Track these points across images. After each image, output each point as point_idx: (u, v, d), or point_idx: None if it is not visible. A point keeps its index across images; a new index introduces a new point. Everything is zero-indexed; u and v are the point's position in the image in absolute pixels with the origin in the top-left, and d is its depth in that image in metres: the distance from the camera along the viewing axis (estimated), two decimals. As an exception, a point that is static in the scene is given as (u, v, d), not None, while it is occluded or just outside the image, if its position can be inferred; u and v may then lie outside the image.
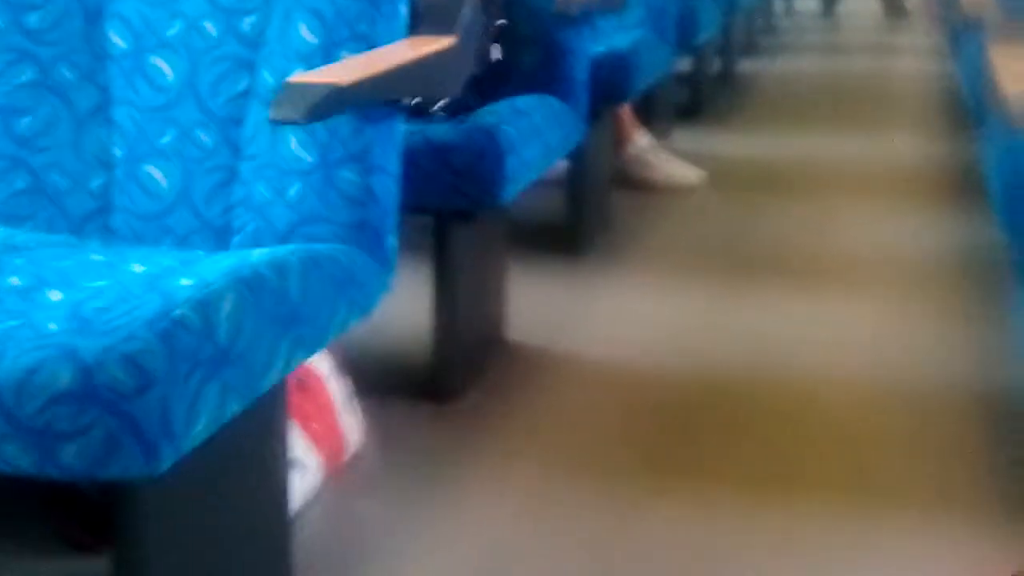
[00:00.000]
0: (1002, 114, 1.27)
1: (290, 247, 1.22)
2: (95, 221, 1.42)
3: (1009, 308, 2.29)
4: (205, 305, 0.99)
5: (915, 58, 5.70)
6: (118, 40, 1.43)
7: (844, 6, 7.20)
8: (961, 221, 2.91)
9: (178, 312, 0.96)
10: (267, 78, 1.36)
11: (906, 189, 3.33)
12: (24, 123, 1.43)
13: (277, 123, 1.16)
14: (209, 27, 1.40)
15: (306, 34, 1.35)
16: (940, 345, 2.15)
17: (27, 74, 1.44)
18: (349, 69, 1.24)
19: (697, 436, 1.79)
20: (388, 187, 1.35)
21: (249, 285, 1.06)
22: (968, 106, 2.89)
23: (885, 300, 2.41)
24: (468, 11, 1.46)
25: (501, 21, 2.18)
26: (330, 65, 1.30)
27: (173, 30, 1.41)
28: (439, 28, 1.44)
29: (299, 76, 1.25)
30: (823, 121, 4.31)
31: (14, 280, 1.12)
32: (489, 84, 2.10)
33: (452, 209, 1.86)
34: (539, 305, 2.32)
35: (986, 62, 1.63)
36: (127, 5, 1.43)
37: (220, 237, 1.38)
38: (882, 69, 5.66)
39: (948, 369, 2.04)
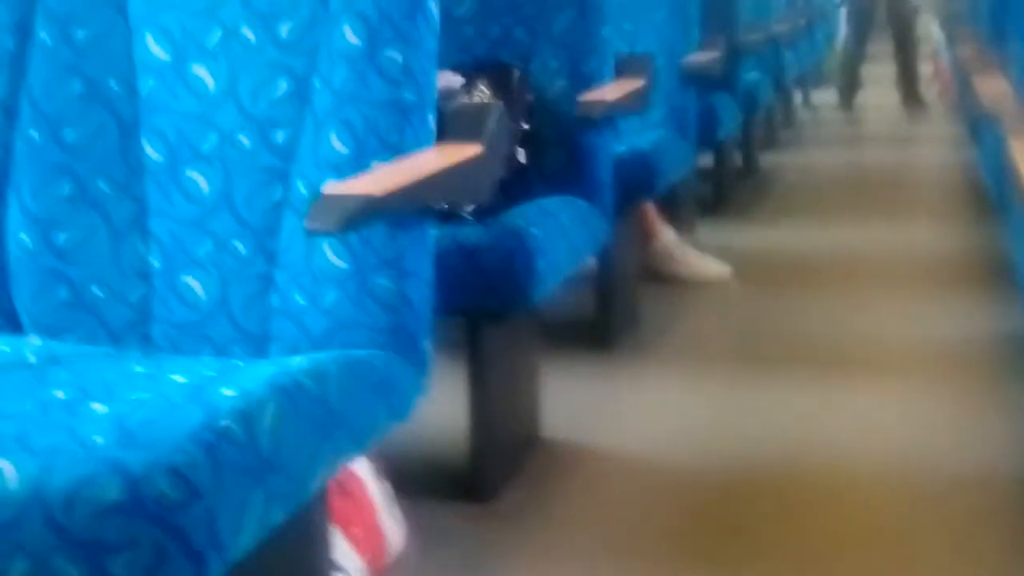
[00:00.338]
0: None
1: (328, 354, 1.24)
2: (134, 332, 1.44)
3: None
4: (247, 416, 1.00)
5: (935, 148, 5.74)
6: (153, 153, 1.47)
7: (862, 98, 7.27)
8: (986, 309, 2.90)
9: (221, 424, 0.98)
10: (300, 188, 1.39)
11: (930, 278, 3.34)
12: (63, 237, 1.46)
13: (313, 234, 1.19)
14: (243, 140, 1.44)
15: (337, 145, 1.38)
16: (971, 433, 2.14)
17: (65, 188, 1.48)
18: (381, 179, 1.27)
19: (735, 528, 1.78)
20: (421, 292, 1.37)
21: (289, 394, 1.07)
22: (990, 195, 2.91)
23: (914, 389, 2.40)
24: (494, 119, 1.49)
25: (525, 125, 2.22)
26: (362, 175, 1.32)
27: (208, 143, 1.45)
28: (466, 136, 1.47)
29: (332, 187, 1.28)
30: (845, 212, 4.33)
31: (59, 393, 1.14)
32: (515, 186, 2.13)
33: (483, 311, 1.88)
34: (572, 402, 2.32)
35: (1007, 155, 1.65)
36: (163, 118, 1.47)
37: (258, 345, 1.40)
38: (902, 159, 5.70)
39: (980, 456, 2.03)
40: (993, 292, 3.01)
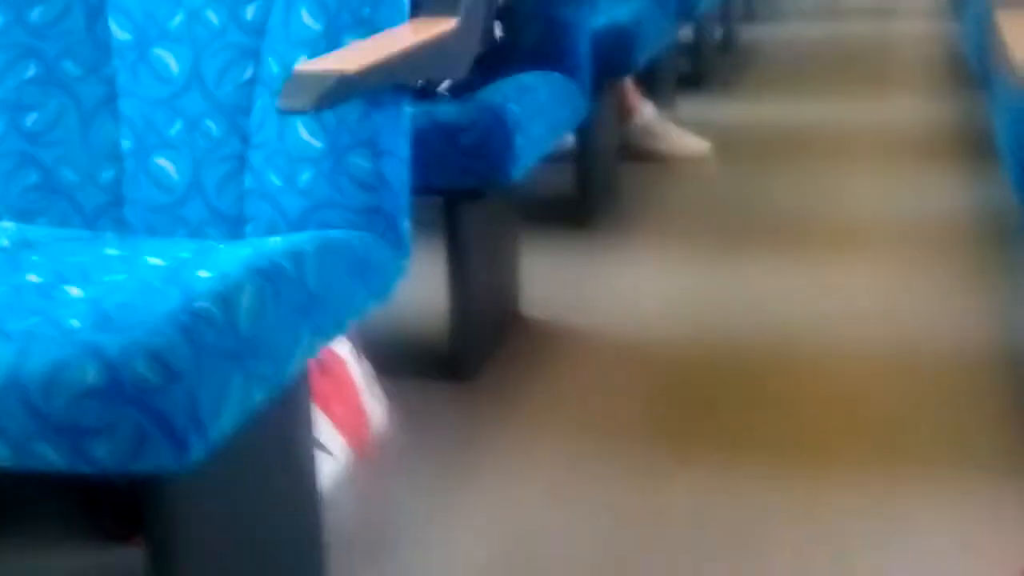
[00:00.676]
0: (1012, 80, 1.26)
1: (305, 235, 1.23)
2: (108, 214, 1.42)
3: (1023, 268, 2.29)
4: (225, 297, 0.99)
5: (916, 20, 5.67)
6: (120, 32, 1.43)
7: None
8: (970, 183, 2.90)
9: (199, 305, 0.97)
10: (272, 66, 1.36)
11: (912, 152, 3.32)
12: (31, 119, 1.43)
13: (286, 113, 1.16)
14: (212, 16, 1.40)
15: (309, 21, 1.35)
16: (954, 308, 2.15)
17: (32, 70, 1.44)
18: (354, 56, 1.24)
19: (716, 407, 1.80)
20: (398, 171, 1.35)
21: (267, 275, 1.06)
22: (973, 68, 2.88)
23: (897, 265, 2.41)
24: (471, -9, 1.46)
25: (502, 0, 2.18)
26: (335, 52, 1.29)
27: (175, 21, 1.41)
28: (441, 10, 1.43)
29: (305, 64, 1.25)
30: (826, 86, 4.29)
31: (32, 277, 1.12)
32: (492, 62, 2.10)
33: (462, 189, 1.86)
34: (552, 280, 2.32)
35: (992, 27, 1.62)
36: (128, -3, 1.43)
37: (233, 226, 1.38)
38: (883, 32, 5.63)
39: (964, 332, 2.04)
40: (975, 166, 3.00)
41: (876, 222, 2.71)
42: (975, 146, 3.13)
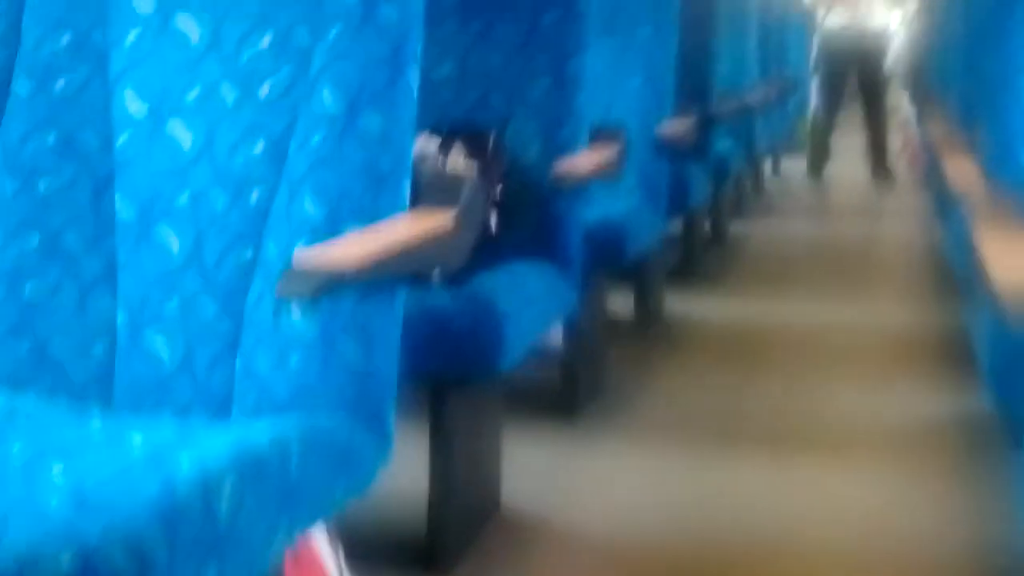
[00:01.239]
0: (991, 300, 1.29)
1: (291, 422, 1.23)
2: (96, 387, 1.43)
3: (1002, 476, 2.29)
4: (206, 488, 0.99)
5: (902, 221, 5.80)
6: (125, 209, 1.46)
7: (832, 168, 7.36)
8: (950, 389, 2.92)
9: (180, 495, 0.96)
10: (271, 250, 1.39)
11: (893, 356, 3.36)
12: (29, 288, 1.45)
13: (283, 300, 1.18)
14: (217, 198, 1.43)
15: (311, 208, 1.38)
16: (931, 514, 2.14)
17: (34, 240, 1.46)
18: (353, 248, 1.27)
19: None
20: (388, 360, 1.36)
21: (250, 464, 1.06)
22: (954, 275, 2.94)
23: (878, 469, 2.41)
24: (469, 188, 1.50)
25: (498, 190, 2.23)
26: (335, 241, 1.32)
27: (180, 200, 1.44)
28: (440, 204, 1.47)
29: (304, 252, 1.27)
30: (812, 284, 4.36)
31: (16, 450, 1.12)
32: (485, 252, 2.13)
33: (449, 377, 1.87)
34: (534, 472, 2.31)
35: (971, 239, 1.66)
36: (137, 174, 1.46)
37: (220, 407, 1.38)
38: (869, 232, 5.76)
39: (941, 537, 2.03)
40: (955, 372, 3.03)
41: (855, 425, 2.72)
42: (956, 353, 3.16)
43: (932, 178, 3.61)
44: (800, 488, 2.29)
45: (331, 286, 1.16)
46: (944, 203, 3.21)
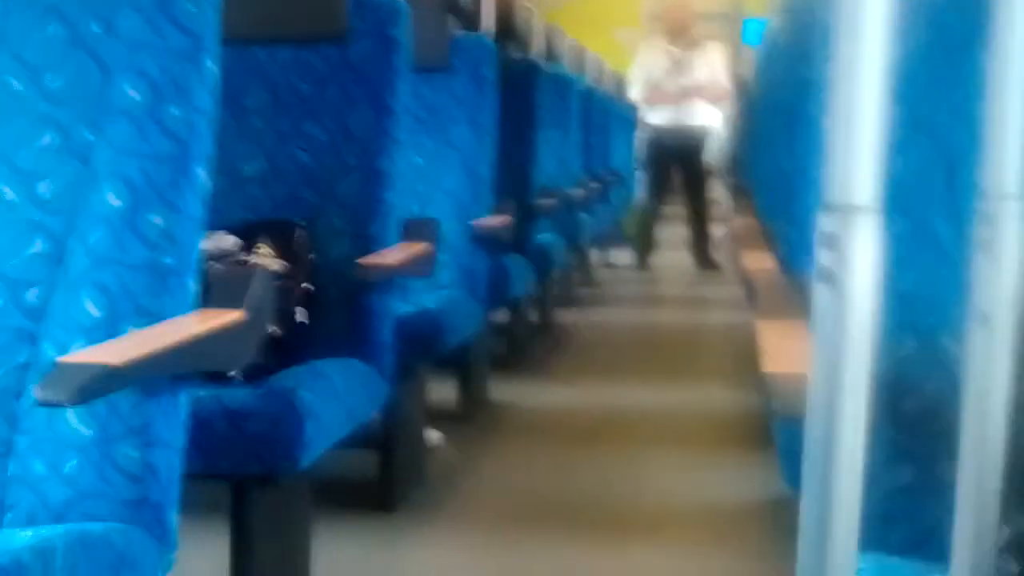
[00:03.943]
0: (769, 387, 1.34)
1: (59, 529, 1.19)
2: None
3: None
4: (-51, 601, 0.95)
5: (724, 309, 5.99)
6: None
7: (659, 258, 7.57)
8: (756, 471, 3.02)
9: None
10: (48, 351, 1.35)
11: (714, 439, 3.45)
12: None
13: (45, 404, 1.15)
14: (-8, 299, 1.39)
15: (90, 308, 1.36)
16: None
17: None
18: (124, 347, 1.25)
19: None
20: (170, 461, 1.34)
21: (7, 574, 1.02)
22: (763, 361, 3.04)
23: (693, 548, 2.48)
24: (258, 283, 1.49)
25: (306, 285, 2.22)
26: (107, 343, 1.30)
27: (-45, 300, 1.40)
28: (228, 301, 1.46)
29: (72, 355, 1.24)
30: (638, 371, 4.46)
31: None
32: (293, 347, 2.12)
33: (249, 474, 1.84)
34: (349, 568, 2.28)
35: (757, 333, 1.74)
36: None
37: (-9, 514, 1.33)
38: (693, 320, 5.94)
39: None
40: (766, 454, 3.12)
41: (674, 506, 2.78)
42: (766, 436, 3.27)
43: (737, 269, 3.76)
44: (614, 567, 2.32)
45: (98, 388, 1.14)
46: (748, 292, 3.35)
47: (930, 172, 1.36)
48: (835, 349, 0.72)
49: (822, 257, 0.72)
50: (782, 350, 1.47)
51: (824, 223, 0.73)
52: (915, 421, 1.34)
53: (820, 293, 0.73)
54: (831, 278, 0.71)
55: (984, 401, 0.76)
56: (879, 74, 0.70)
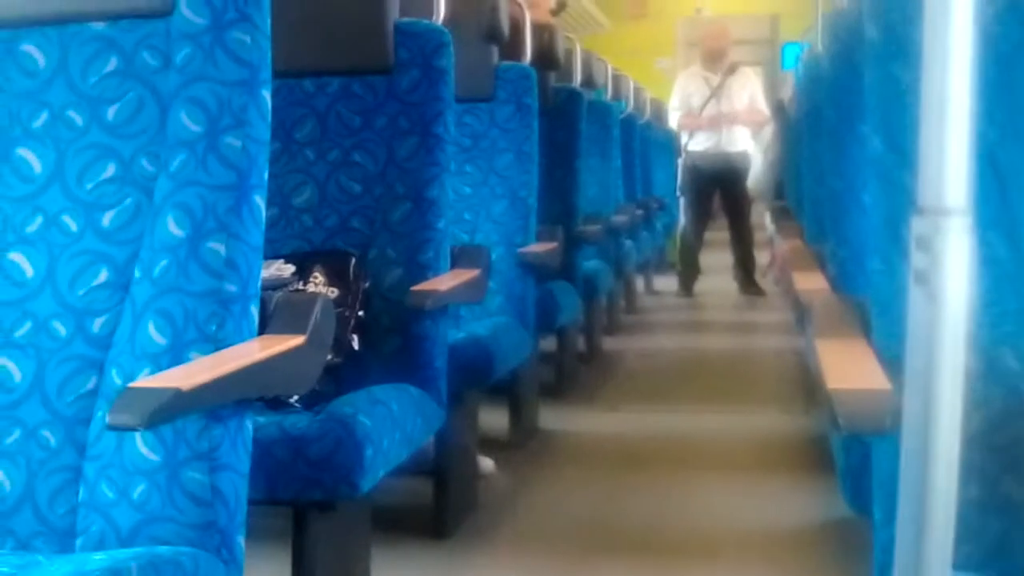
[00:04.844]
0: (831, 407, 1.34)
1: (131, 552, 1.21)
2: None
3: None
4: (33, 620, 0.96)
5: (770, 334, 5.96)
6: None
7: (703, 285, 7.55)
8: (818, 492, 2.99)
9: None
10: (115, 379, 1.38)
11: (766, 463, 3.42)
12: None
13: (115, 428, 1.17)
14: (59, 327, 1.42)
15: (155, 335, 1.38)
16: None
17: None
18: (192, 372, 1.26)
19: None
20: (236, 485, 1.35)
21: (83, 596, 1.04)
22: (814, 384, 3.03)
23: (749, 573, 2.44)
24: (319, 309, 1.51)
25: (361, 312, 2.24)
26: (174, 368, 1.32)
27: (22, 331, 1.42)
28: (289, 327, 1.48)
29: (142, 380, 1.27)
30: (684, 397, 4.44)
31: None
32: (348, 373, 2.14)
33: (310, 500, 1.85)
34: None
35: (813, 352, 1.73)
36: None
37: (63, 539, 1.35)
38: (739, 345, 5.91)
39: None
40: (820, 477, 3.09)
41: (726, 534, 2.75)
42: (821, 458, 3.24)
43: (788, 292, 3.74)
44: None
45: (167, 412, 1.16)
46: (799, 315, 3.33)
47: (984, 187, 1.35)
48: (930, 350, 0.72)
49: (916, 260, 0.72)
50: (844, 368, 1.46)
51: (918, 226, 0.73)
52: (980, 437, 1.33)
53: (915, 296, 0.73)
54: (925, 280, 0.71)
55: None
56: (968, 79, 0.70)
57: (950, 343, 0.72)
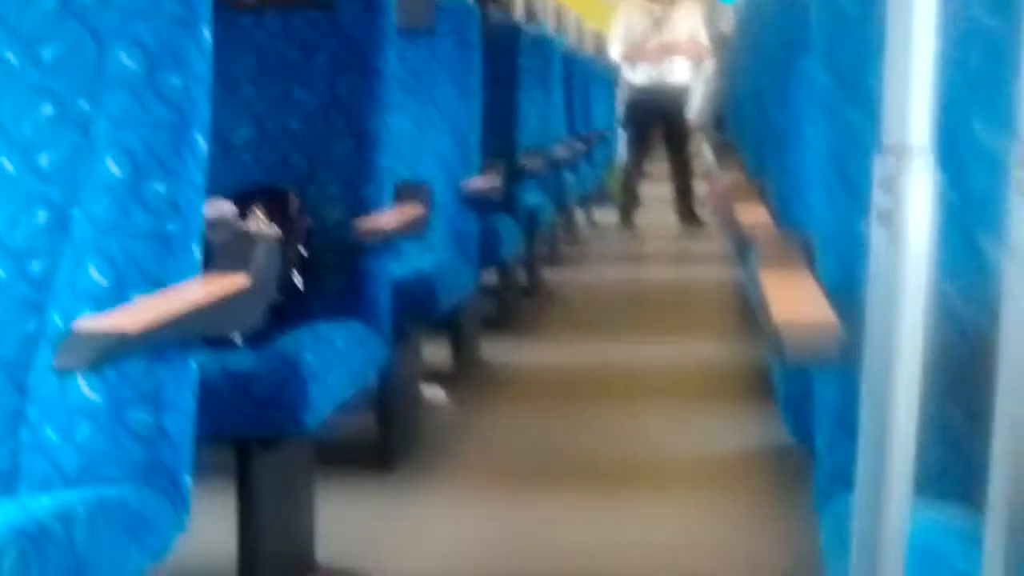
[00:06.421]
0: (774, 335, 1.36)
1: (77, 493, 1.21)
2: None
3: (804, 501, 2.40)
4: (-19, 563, 0.97)
5: (710, 265, 6.02)
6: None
7: (643, 216, 7.59)
8: (757, 420, 3.05)
9: (-48, 573, 0.94)
10: (56, 320, 1.37)
11: (706, 392, 3.48)
12: None
13: (61, 370, 1.17)
14: (-2, 270, 1.40)
15: (96, 276, 1.37)
16: (741, 541, 2.23)
17: None
18: (137, 313, 1.26)
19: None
20: (181, 425, 1.36)
21: (32, 539, 1.04)
22: (754, 313, 3.07)
23: (691, 499, 2.51)
24: (262, 249, 1.51)
25: (303, 250, 2.24)
26: (118, 308, 1.31)
27: (-39, 274, 1.41)
28: (233, 266, 1.47)
29: (83, 321, 1.26)
30: (626, 328, 4.49)
31: None
32: (292, 311, 2.14)
33: (255, 437, 1.86)
34: (352, 527, 2.31)
35: (757, 283, 1.75)
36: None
37: (7, 482, 1.35)
38: (679, 276, 5.97)
39: (752, 565, 2.11)
40: (760, 405, 3.16)
41: (669, 460, 2.81)
42: (761, 386, 3.31)
43: (729, 224, 3.78)
44: (616, 524, 2.35)
45: (112, 353, 1.16)
46: (740, 247, 3.36)
47: (965, 113, 1.34)
48: (892, 289, 0.73)
49: (879, 199, 0.73)
50: (790, 300, 1.49)
51: (881, 166, 0.74)
52: (965, 364, 1.33)
53: (877, 234, 0.74)
54: (888, 220, 0.72)
55: (1020, 338, 0.76)
56: (932, 19, 0.70)
57: (913, 284, 0.73)
